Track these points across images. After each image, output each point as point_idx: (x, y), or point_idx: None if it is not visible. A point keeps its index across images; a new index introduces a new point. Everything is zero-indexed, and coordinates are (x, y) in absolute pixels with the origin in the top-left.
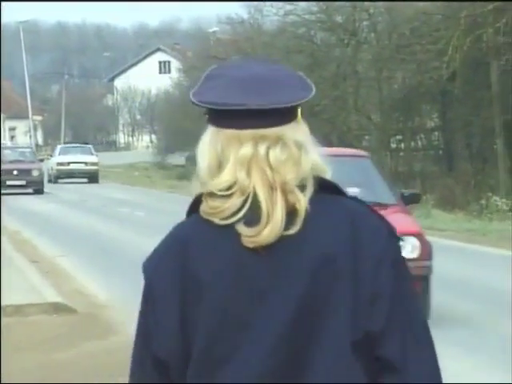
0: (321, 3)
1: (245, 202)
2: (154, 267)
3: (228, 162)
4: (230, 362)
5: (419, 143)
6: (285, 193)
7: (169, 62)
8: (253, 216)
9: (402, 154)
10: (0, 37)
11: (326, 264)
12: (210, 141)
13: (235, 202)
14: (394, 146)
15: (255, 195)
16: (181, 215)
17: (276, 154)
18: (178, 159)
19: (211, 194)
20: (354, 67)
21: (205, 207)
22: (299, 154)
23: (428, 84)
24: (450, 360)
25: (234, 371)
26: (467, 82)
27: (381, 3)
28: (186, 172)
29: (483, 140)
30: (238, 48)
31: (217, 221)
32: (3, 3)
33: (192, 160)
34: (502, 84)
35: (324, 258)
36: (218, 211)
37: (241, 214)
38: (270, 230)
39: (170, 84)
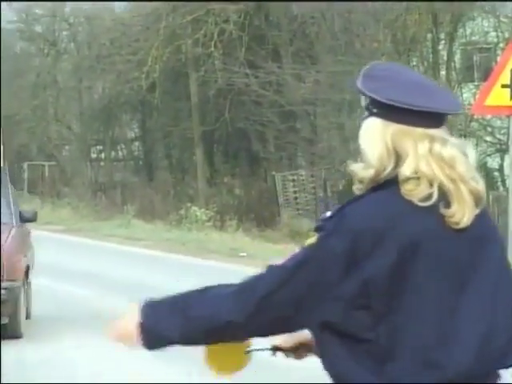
0: (22, 13)
1: (433, 190)
2: (368, 226)
3: (407, 155)
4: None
5: (120, 153)
6: (464, 183)
7: None
8: (446, 201)
9: (102, 163)
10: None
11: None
12: (378, 132)
13: (425, 189)
14: (94, 155)
15: (441, 185)
16: None
17: (448, 151)
18: None
19: (405, 180)
20: (54, 77)
21: (403, 189)
22: (463, 153)
23: (128, 94)
24: (158, 367)
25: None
26: (167, 92)
27: (81, 13)
28: None
29: (183, 150)
30: None
31: (416, 201)
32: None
33: None
34: (201, 95)
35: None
36: (413, 193)
37: (433, 199)
38: (466, 213)
39: None
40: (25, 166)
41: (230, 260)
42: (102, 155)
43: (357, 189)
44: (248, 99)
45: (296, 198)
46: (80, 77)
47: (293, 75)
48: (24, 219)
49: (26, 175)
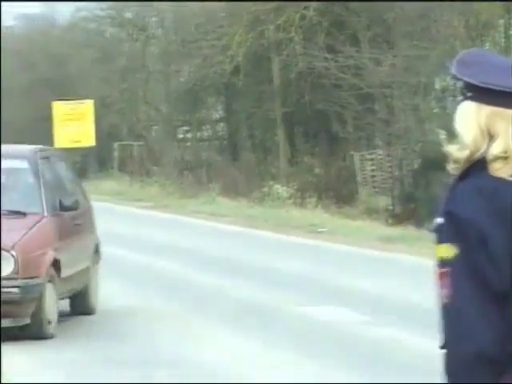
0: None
1: None
2: (475, 213)
3: (498, 135)
4: None
5: (205, 134)
6: None
7: None
8: None
9: (188, 143)
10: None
11: None
12: (472, 115)
13: None
14: (181, 136)
15: None
16: None
17: None
18: None
19: (493, 159)
20: (143, 61)
21: (491, 168)
22: None
23: (213, 77)
24: (236, 338)
25: None
26: (250, 75)
27: (169, 1)
28: None
29: (265, 131)
30: (32, 42)
31: (506, 177)
32: None
33: None
34: (283, 78)
35: None
36: (501, 171)
37: None
38: None
39: None
40: (115, 145)
41: (310, 236)
42: (189, 135)
43: (452, 169)
44: (327, 82)
45: (373, 177)
46: (167, 61)
47: (370, 59)
48: (64, 208)
49: (116, 154)
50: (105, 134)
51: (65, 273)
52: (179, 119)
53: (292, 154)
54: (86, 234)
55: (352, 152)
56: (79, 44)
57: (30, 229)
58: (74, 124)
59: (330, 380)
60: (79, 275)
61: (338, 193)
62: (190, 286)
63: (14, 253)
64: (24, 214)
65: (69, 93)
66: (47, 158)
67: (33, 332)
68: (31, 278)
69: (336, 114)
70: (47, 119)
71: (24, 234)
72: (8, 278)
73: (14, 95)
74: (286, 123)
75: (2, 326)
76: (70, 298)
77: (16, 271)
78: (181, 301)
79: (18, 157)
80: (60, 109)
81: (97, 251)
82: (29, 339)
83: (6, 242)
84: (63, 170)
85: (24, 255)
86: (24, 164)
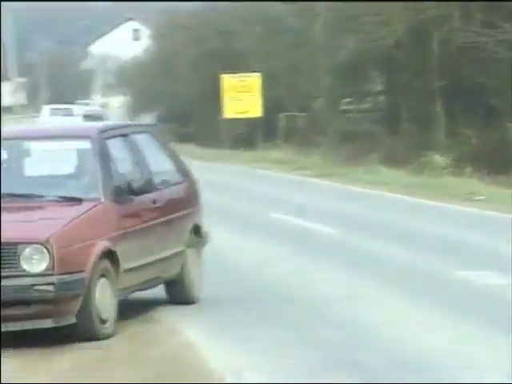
0: None
1: None
2: None
3: None
4: None
5: (366, 105)
6: None
7: (140, 30)
8: None
9: (350, 115)
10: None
11: None
12: None
13: None
14: (343, 107)
15: None
16: None
17: None
18: (146, 118)
19: None
20: (308, 36)
21: None
22: None
23: (375, 51)
24: (395, 300)
25: None
26: (410, 49)
27: None
28: None
29: (424, 103)
30: (200, 18)
31: None
32: None
33: (160, 119)
34: (442, 52)
35: None
36: None
37: None
38: None
39: (141, 50)
40: (281, 116)
41: (466, 204)
42: (351, 107)
43: None
44: (485, 56)
45: None
46: (331, 36)
47: None
48: (133, 192)
49: (282, 125)
50: (270, 105)
51: (130, 264)
52: (342, 91)
53: (450, 125)
54: (174, 214)
55: (509, 123)
56: (247, 20)
57: (78, 217)
58: (242, 96)
59: (484, 342)
60: (164, 262)
61: (494, 162)
62: (351, 251)
63: (48, 246)
64: (80, 201)
65: (236, 66)
66: (124, 135)
67: (81, 332)
68: (72, 273)
69: (493, 87)
70: (216, 91)
71: (66, 224)
72: (42, 275)
73: (184, 68)
74: (445, 96)
75: (40, 327)
76: (166, 285)
77: (51, 267)
78: (344, 264)
79: (80, 137)
80: (228, 81)
81: (197, 233)
82: (78, 341)
83: (41, 235)
84: (147, 148)
85: (62, 248)
86: (86, 145)
